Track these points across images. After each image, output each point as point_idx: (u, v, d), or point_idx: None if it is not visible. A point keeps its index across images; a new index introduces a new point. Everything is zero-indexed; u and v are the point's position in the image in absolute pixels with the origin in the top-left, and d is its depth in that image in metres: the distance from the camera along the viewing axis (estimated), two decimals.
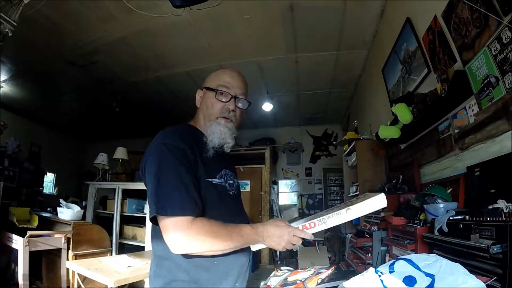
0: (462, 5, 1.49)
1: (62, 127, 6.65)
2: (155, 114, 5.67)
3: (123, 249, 3.34)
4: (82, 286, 2.08)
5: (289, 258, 4.48)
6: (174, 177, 0.79)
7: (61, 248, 2.47)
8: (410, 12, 2.22)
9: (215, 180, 0.90)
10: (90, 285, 2.11)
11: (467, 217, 1.12)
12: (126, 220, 3.60)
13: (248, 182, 5.45)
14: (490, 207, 1.04)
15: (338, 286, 0.98)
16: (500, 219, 0.95)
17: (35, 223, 2.71)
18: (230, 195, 0.95)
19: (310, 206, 6.16)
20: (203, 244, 0.77)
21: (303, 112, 5.76)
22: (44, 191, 5.96)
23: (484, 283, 0.77)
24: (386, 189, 2.15)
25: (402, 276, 0.87)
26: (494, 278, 0.87)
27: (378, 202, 0.81)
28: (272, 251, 4.93)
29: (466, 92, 1.46)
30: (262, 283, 2.42)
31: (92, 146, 7.16)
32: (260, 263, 4.97)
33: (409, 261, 0.90)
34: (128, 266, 1.99)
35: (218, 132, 0.93)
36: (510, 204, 0.98)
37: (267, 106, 5.15)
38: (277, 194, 6.25)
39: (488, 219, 0.99)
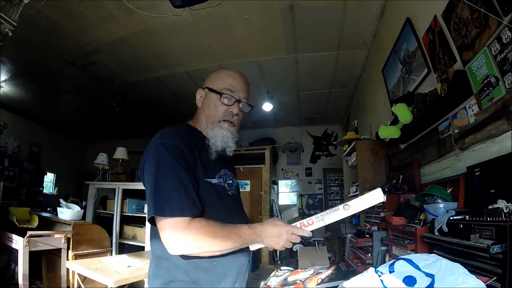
0: (462, 5, 1.49)
1: (62, 127, 6.65)
2: (155, 114, 5.67)
3: (123, 249, 3.34)
4: (82, 286, 2.08)
5: (289, 258, 4.47)
6: (173, 178, 0.79)
7: (61, 248, 2.47)
8: (410, 12, 2.22)
9: (214, 180, 0.89)
10: (90, 285, 2.11)
11: (467, 217, 1.12)
12: (126, 220, 3.61)
13: (248, 182, 5.45)
14: (490, 207, 1.04)
15: (338, 286, 0.98)
16: (500, 219, 0.94)
17: (35, 223, 2.71)
18: (229, 195, 0.95)
19: (310, 206, 6.16)
20: (201, 244, 0.77)
21: (303, 112, 5.76)
22: (44, 191, 5.96)
23: (484, 283, 0.77)
24: (386, 189, 2.15)
25: (402, 276, 0.87)
26: (494, 278, 0.87)
27: (375, 196, 0.82)
28: (272, 251, 4.94)
29: (466, 92, 1.46)
30: (262, 283, 2.42)
31: (92, 146, 7.16)
32: (260, 263, 4.97)
33: (409, 261, 0.90)
34: (128, 266, 1.99)
35: (221, 136, 0.92)
36: (510, 204, 0.98)
37: (267, 106, 5.15)
38: (277, 194, 6.25)
39: (488, 219, 0.99)
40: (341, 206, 0.83)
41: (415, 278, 0.84)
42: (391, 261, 0.94)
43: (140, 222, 3.51)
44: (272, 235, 0.83)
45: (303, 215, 5.81)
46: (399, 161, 2.52)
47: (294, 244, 0.87)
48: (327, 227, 4.57)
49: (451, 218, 1.20)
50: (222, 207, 0.90)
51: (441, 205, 1.39)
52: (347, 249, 2.92)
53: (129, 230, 3.54)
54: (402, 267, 0.90)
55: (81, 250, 2.53)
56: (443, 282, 0.79)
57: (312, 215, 0.88)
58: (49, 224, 2.83)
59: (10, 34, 2.16)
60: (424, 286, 0.81)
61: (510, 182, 1.09)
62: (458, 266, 0.82)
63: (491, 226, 0.96)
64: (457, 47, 1.57)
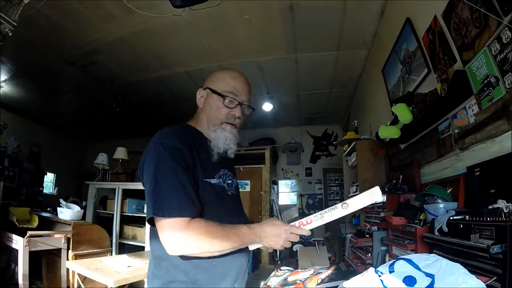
0: (462, 5, 1.49)
1: (62, 127, 6.65)
2: (155, 114, 5.67)
3: (123, 249, 3.34)
4: (82, 286, 2.08)
5: (289, 258, 4.47)
6: (172, 178, 0.79)
7: (61, 248, 2.47)
8: (410, 12, 2.22)
9: (213, 181, 0.89)
10: (90, 285, 2.11)
11: (467, 217, 1.12)
12: (126, 220, 3.61)
13: (248, 182, 5.45)
14: (490, 207, 1.04)
15: (338, 286, 0.98)
16: (500, 219, 0.94)
17: (35, 223, 2.71)
18: (229, 195, 0.95)
19: (310, 206, 6.16)
20: (201, 245, 0.77)
21: (303, 112, 5.76)
22: (44, 191, 5.96)
23: (484, 283, 0.77)
24: (386, 189, 2.15)
25: (402, 276, 0.87)
26: (494, 278, 0.87)
27: (373, 194, 0.82)
28: (272, 251, 4.93)
29: (466, 92, 1.46)
30: (262, 283, 2.42)
31: (92, 146, 7.16)
32: (260, 263, 4.97)
33: (409, 261, 0.90)
34: (128, 266, 1.99)
35: (223, 138, 0.93)
36: (510, 204, 0.98)
37: (267, 106, 5.15)
38: (277, 194, 6.25)
39: (488, 219, 0.99)
40: (339, 205, 0.84)
41: (415, 278, 0.84)
42: (391, 261, 0.94)
43: (140, 222, 3.51)
44: (271, 235, 0.83)
45: (303, 215, 5.81)
46: (399, 161, 2.52)
47: (293, 244, 0.87)
48: (327, 227, 4.57)
49: (451, 218, 1.20)
50: (222, 207, 0.90)
51: (441, 205, 1.39)
52: (347, 249, 2.92)
53: (129, 230, 3.54)
54: (402, 267, 0.90)
55: (81, 250, 2.53)
56: (443, 282, 0.79)
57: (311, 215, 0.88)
58: (49, 224, 2.83)
59: (10, 34, 2.16)
60: (424, 286, 0.81)
61: (510, 182, 1.09)
62: (458, 266, 0.82)
63: (491, 226, 0.96)
64: (457, 47, 1.57)
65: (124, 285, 1.82)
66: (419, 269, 0.87)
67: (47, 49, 3.56)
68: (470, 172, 1.40)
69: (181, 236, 0.75)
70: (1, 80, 4.30)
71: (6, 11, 2.13)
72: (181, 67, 4.06)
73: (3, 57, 3.64)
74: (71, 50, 3.59)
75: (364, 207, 0.87)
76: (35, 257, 2.40)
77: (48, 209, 3.69)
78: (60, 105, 5.45)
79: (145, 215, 3.37)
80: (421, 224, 1.47)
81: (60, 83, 4.58)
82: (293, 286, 1.93)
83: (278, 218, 0.90)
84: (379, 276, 0.90)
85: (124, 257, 2.25)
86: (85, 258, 2.37)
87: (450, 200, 1.47)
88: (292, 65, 4.01)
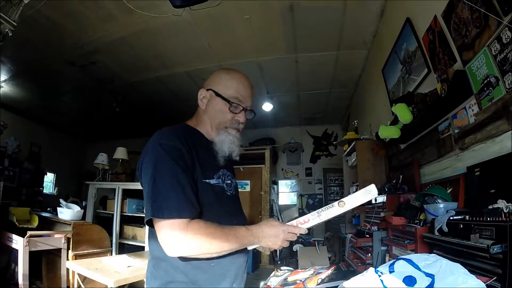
0: (462, 5, 1.49)
1: (62, 127, 6.65)
2: (155, 114, 5.67)
3: (123, 249, 3.34)
4: (82, 286, 2.08)
5: (289, 258, 4.47)
6: (171, 178, 0.78)
7: (61, 248, 2.47)
8: (410, 12, 2.22)
9: (212, 181, 0.89)
10: (90, 285, 2.11)
11: (467, 217, 1.12)
12: (126, 220, 3.61)
13: (248, 182, 5.45)
14: (490, 207, 1.04)
15: (338, 286, 0.98)
16: (500, 219, 0.94)
17: (35, 223, 2.71)
18: (228, 196, 0.94)
19: (310, 206, 6.16)
20: (200, 247, 0.77)
21: (303, 112, 5.76)
22: (44, 191, 5.96)
23: (484, 283, 0.77)
24: (386, 189, 2.15)
25: (402, 276, 0.87)
26: (494, 278, 0.87)
27: (368, 192, 0.83)
28: (272, 252, 4.94)
29: (466, 92, 1.46)
30: (262, 283, 2.42)
31: (92, 146, 7.16)
32: (260, 263, 4.97)
33: (409, 261, 0.90)
34: (128, 266, 1.99)
35: (228, 142, 0.93)
36: (510, 204, 0.98)
37: (267, 106, 5.15)
38: (277, 194, 6.26)
39: (488, 219, 0.99)
40: (336, 203, 0.85)
41: (415, 278, 0.84)
42: (391, 261, 0.94)
43: (140, 222, 3.51)
44: (270, 236, 0.83)
45: (302, 215, 5.82)
46: (399, 161, 2.52)
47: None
48: (327, 227, 4.58)
49: (451, 218, 1.20)
50: (221, 208, 0.89)
51: (441, 205, 1.39)
52: (347, 249, 2.92)
53: (129, 230, 3.54)
54: (402, 267, 0.90)
55: (81, 250, 2.53)
56: (443, 282, 0.79)
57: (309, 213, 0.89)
58: (49, 224, 2.83)
59: (10, 34, 2.16)
60: (424, 286, 0.81)
61: (510, 182, 1.09)
62: (458, 266, 0.82)
63: (491, 226, 0.96)
64: (457, 47, 1.57)
65: (124, 285, 1.82)
66: (419, 269, 0.87)
67: (47, 49, 3.56)
68: (470, 172, 1.40)
69: (180, 238, 0.75)
70: (1, 80, 4.30)
71: (6, 11, 2.13)
72: (181, 67, 4.06)
73: (3, 57, 3.64)
74: (71, 50, 3.59)
75: (362, 206, 0.87)
76: (35, 257, 2.40)
77: (48, 209, 3.69)
78: (60, 105, 5.45)
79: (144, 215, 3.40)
80: (421, 224, 1.47)
81: (60, 83, 4.58)
82: (293, 286, 1.92)
83: (278, 218, 0.90)
84: (379, 276, 0.90)
85: (124, 257, 2.25)
86: (85, 258, 2.37)
87: (450, 200, 1.47)
88: (292, 65, 4.01)
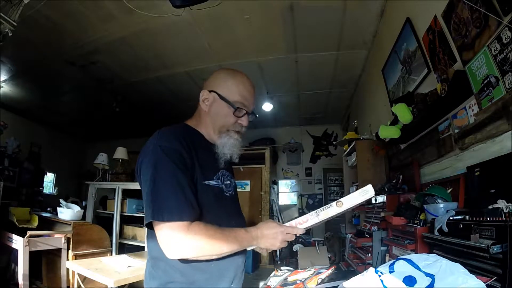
0: (462, 5, 1.49)
1: (62, 127, 6.65)
2: (155, 114, 5.67)
3: (123, 249, 3.34)
4: (82, 286, 2.08)
5: (289, 258, 4.47)
6: (170, 181, 0.78)
7: (61, 248, 2.47)
8: (410, 12, 2.22)
9: (212, 182, 0.89)
10: (90, 285, 2.11)
11: (467, 217, 1.12)
12: (126, 220, 3.61)
13: (248, 182, 5.45)
14: (490, 207, 1.04)
15: (338, 286, 0.98)
16: (500, 219, 0.94)
17: (35, 223, 2.72)
18: (227, 196, 0.94)
19: (310, 206, 6.16)
20: (200, 249, 0.77)
21: (303, 112, 5.76)
22: (44, 191, 5.96)
23: (484, 283, 0.77)
24: (386, 189, 2.15)
25: (402, 276, 0.87)
26: (494, 278, 0.87)
27: (365, 192, 0.84)
28: (272, 252, 4.93)
29: (466, 92, 1.46)
30: (262, 283, 2.42)
31: (92, 146, 7.16)
32: (260, 263, 4.97)
33: (409, 261, 0.90)
34: (128, 266, 1.99)
35: (230, 145, 0.94)
36: (510, 204, 0.98)
37: (267, 106, 5.15)
38: (277, 194, 6.25)
39: (488, 219, 0.99)
40: (334, 203, 0.86)
41: (415, 278, 0.84)
42: (391, 261, 0.94)
43: (140, 222, 3.51)
44: (268, 237, 0.84)
45: (302, 215, 5.82)
46: (399, 161, 2.52)
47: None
48: (327, 227, 4.58)
49: (451, 218, 1.20)
50: (220, 209, 0.89)
51: (441, 205, 1.39)
52: (347, 249, 2.92)
53: (129, 230, 3.54)
54: (402, 267, 0.90)
55: (81, 250, 2.53)
56: (443, 282, 0.79)
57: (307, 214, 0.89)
58: (49, 224, 2.83)
59: (10, 34, 2.16)
60: (424, 286, 0.81)
61: (510, 182, 1.09)
62: (458, 266, 0.82)
63: (491, 226, 0.95)
64: (457, 47, 1.57)
65: (124, 285, 1.82)
66: (419, 269, 0.87)
67: (47, 49, 3.56)
68: (470, 172, 1.40)
69: (181, 240, 0.75)
70: (1, 80, 4.30)
71: (6, 11, 2.13)
72: (181, 67, 4.06)
73: (3, 57, 3.64)
74: (71, 50, 3.59)
75: (362, 206, 0.87)
76: (35, 257, 2.40)
77: (48, 209, 3.69)
78: (60, 105, 5.45)
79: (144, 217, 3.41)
80: (421, 224, 1.47)
81: (60, 83, 4.58)
82: (293, 286, 1.92)
83: (278, 218, 0.90)
84: (379, 276, 0.90)
85: (124, 257, 2.25)
86: (85, 258, 2.37)
87: (450, 200, 1.47)
88: (292, 65, 4.01)
